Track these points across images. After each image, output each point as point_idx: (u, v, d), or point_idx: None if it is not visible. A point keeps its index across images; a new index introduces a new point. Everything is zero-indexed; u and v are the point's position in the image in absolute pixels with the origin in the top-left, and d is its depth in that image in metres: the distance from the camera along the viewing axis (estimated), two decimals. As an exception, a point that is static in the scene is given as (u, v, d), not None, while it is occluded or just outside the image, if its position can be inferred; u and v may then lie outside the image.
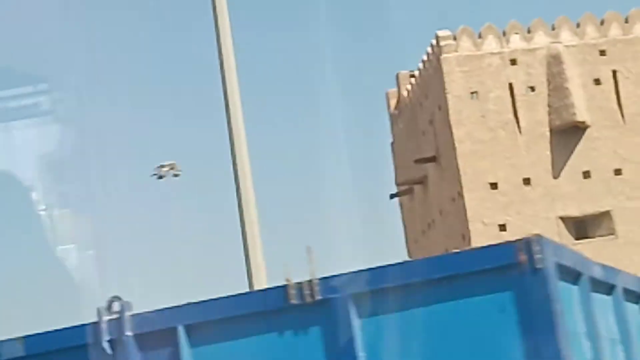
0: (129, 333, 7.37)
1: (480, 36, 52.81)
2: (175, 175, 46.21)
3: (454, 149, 50.95)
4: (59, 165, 12.19)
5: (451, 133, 51.10)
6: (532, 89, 51.96)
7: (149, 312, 7.50)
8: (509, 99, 51.80)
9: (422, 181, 58.56)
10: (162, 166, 45.96)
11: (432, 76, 54.44)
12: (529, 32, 53.08)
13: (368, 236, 70.68)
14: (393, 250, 69.35)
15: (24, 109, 11.58)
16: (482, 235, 48.57)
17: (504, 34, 53.00)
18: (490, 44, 52.42)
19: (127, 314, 7.35)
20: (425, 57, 55.99)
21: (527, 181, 50.90)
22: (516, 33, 52.81)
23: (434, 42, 53.74)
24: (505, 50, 52.32)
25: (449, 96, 51.49)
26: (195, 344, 7.42)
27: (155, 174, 45.75)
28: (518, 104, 51.73)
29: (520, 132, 51.63)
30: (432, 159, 55.24)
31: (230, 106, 14.13)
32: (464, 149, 50.76)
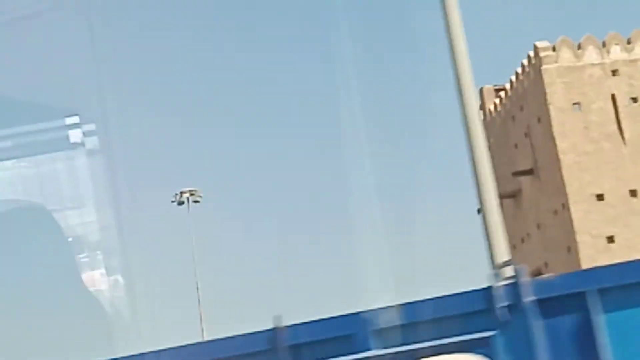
0: (528, 298, 6.89)
1: (579, 47, 52.33)
2: (196, 202, 46.38)
3: (557, 160, 50.38)
4: (90, 196, 12.50)
5: (554, 145, 50.51)
6: (635, 100, 51.39)
7: (549, 276, 7.09)
8: (612, 110, 51.23)
9: (514, 195, 58.02)
10: (182, 192, 46.20)
11: (528, 88, 53.96)
12: (628, 42, 52.56)
13: (454, 252, 70.20)
14: (479, 266, 68.75)
15: (56, 141, 11.85)
16: (590, 248, 47.93)
17: (604, 44, 52.48)
18: (591, 55, 51.93)
19: (524, 279, 6.89)
20: (519, 70, 55.55)
21: (633, 193, 50.21)
22: (616, 44, 52.29)
23: (531, 53, 53.29)
24: (607, 61, 51.79)
25: (551, 107, 50.98)
26: (608, 310, 6.96)
27: (174, 201, 46.08)
28: (622, 115, 51.14)
29: (624, 143, 51.03)
30: (530, 172, 54.68)
31: (467, 107, 13.90)
32: (568, 160, 50.18)
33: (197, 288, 46.18)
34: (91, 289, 12.33)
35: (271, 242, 65.66)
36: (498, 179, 58.70)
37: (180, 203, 46.74)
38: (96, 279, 12.27)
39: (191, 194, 46.86)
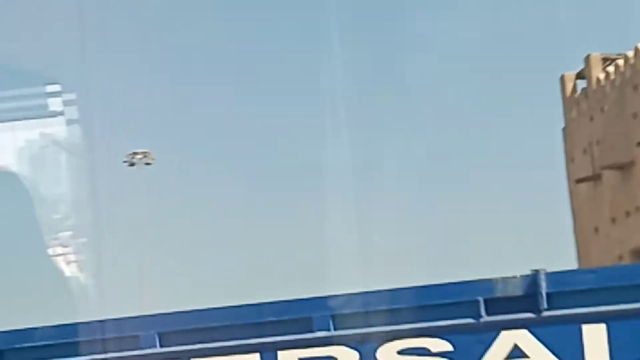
0: None
1: None
2: (148, 164, 45.03)
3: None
4: (64, 164, 12.73)
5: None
6: None
7: None
8: None
9: (622, 167, 56.54)
10: (135, 153, 44.74)
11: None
12: None
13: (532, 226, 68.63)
14: (547, 237, 67.46)
15: (34, 108, 12.00)
16: None
17: None
18: None
19: None
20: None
21: None
22: None
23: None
24: None
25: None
26: None
27: (126, 161, 44.61)
28: None
29: None
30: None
31: None
32: None
33: (141, 258, 44.17)
34: (52, 257, 12.60)
35: (231, 214, 62.10)
36: (610, 149, 57.28)
37: (132, 164, 45.04)
38: (56, 246, 12.56)
39: (144, 156, 45.14)
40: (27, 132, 11.73)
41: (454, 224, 63.57)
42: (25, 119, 11.83)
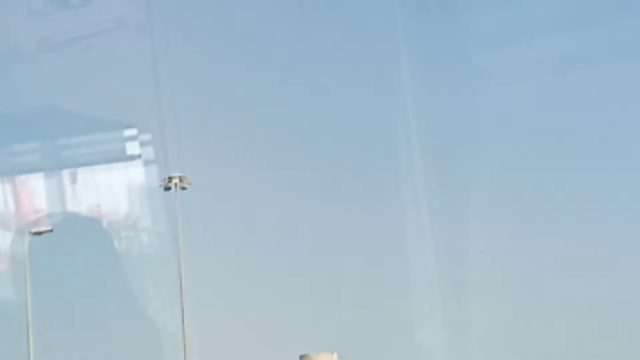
0: None
1: None
2: (183, 188, 45.95)
3: None
4: (145, 203, 13.32)
5: None
6: None
7: None
8: None
9: None
10: (170, 178, 45.02)
11: None
12: None
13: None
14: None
15: (114, 152, 12.30)
16: None
17: None
18: None
19: None
20: None
21: None
22: None
23: None
24: None
25: None
26: None
27: (161, 185, 44.96)
28: None
29: None
30: None
31: None
32: None
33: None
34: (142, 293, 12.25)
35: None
36: None
37: (167, 189, 45.86)
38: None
39: (180, 180, 46.15)
40: (107, 174, 12.23)
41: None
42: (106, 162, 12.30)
